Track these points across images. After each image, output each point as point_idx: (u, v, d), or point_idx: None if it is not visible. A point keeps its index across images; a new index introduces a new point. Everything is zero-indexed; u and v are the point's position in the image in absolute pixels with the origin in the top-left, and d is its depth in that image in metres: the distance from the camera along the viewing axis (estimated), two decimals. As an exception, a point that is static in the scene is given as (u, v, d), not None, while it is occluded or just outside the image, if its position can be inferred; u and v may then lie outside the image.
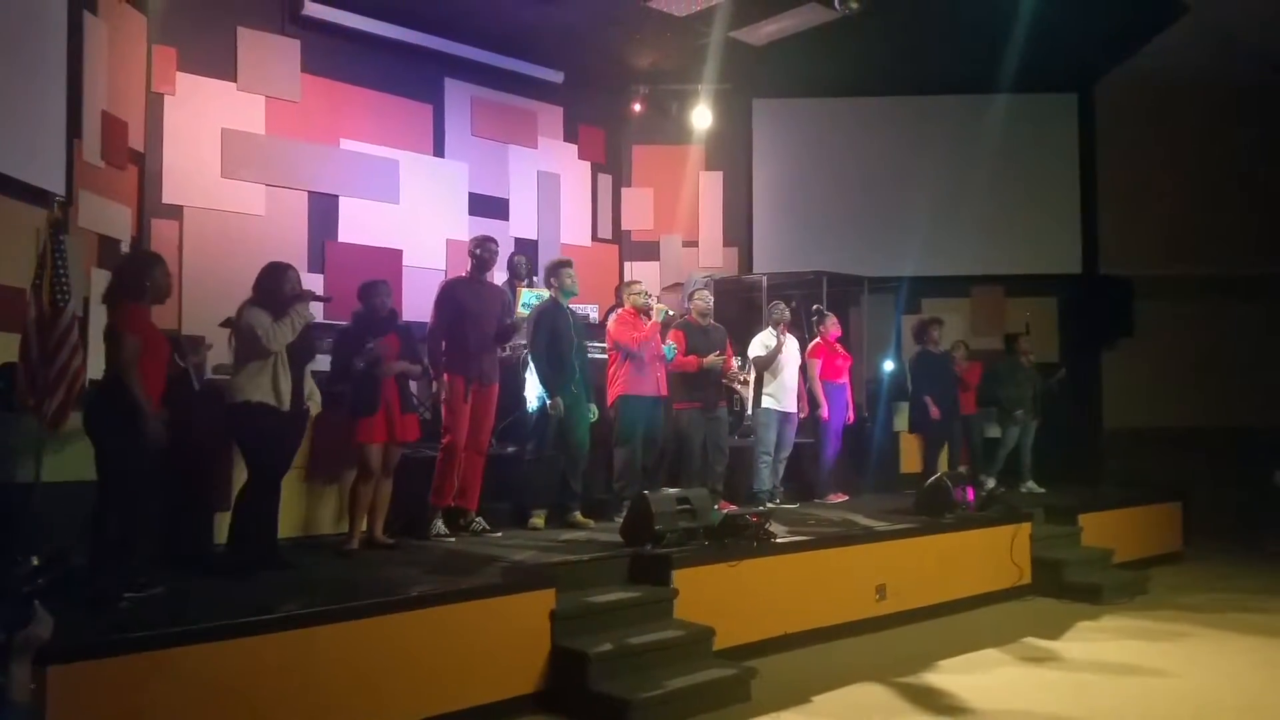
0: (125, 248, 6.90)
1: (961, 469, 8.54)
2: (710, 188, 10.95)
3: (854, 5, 8.17)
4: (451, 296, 6.00)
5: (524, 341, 7.37)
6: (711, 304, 7.30)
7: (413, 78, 9.18)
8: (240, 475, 4.94)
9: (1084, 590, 6.97)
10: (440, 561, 5.19)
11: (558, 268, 6.51)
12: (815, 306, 8.47)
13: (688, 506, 5.56)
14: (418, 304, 7.95)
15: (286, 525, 5.39)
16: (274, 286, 4.81)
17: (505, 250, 7.94)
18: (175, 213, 7.78)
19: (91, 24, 6.42)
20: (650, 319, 6.73)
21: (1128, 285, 10.58)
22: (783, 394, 7.54)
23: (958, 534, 6.79)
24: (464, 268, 6.32)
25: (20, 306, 4.88)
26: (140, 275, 4.32)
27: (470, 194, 9.58)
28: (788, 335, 7.62)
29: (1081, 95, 10.86)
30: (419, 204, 9.16)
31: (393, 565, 5.05)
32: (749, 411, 7.91)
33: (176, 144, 7.78)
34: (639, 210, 10.86)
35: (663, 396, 6.85)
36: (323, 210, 8.57)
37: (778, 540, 5.77)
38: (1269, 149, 10.50)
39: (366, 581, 4.60)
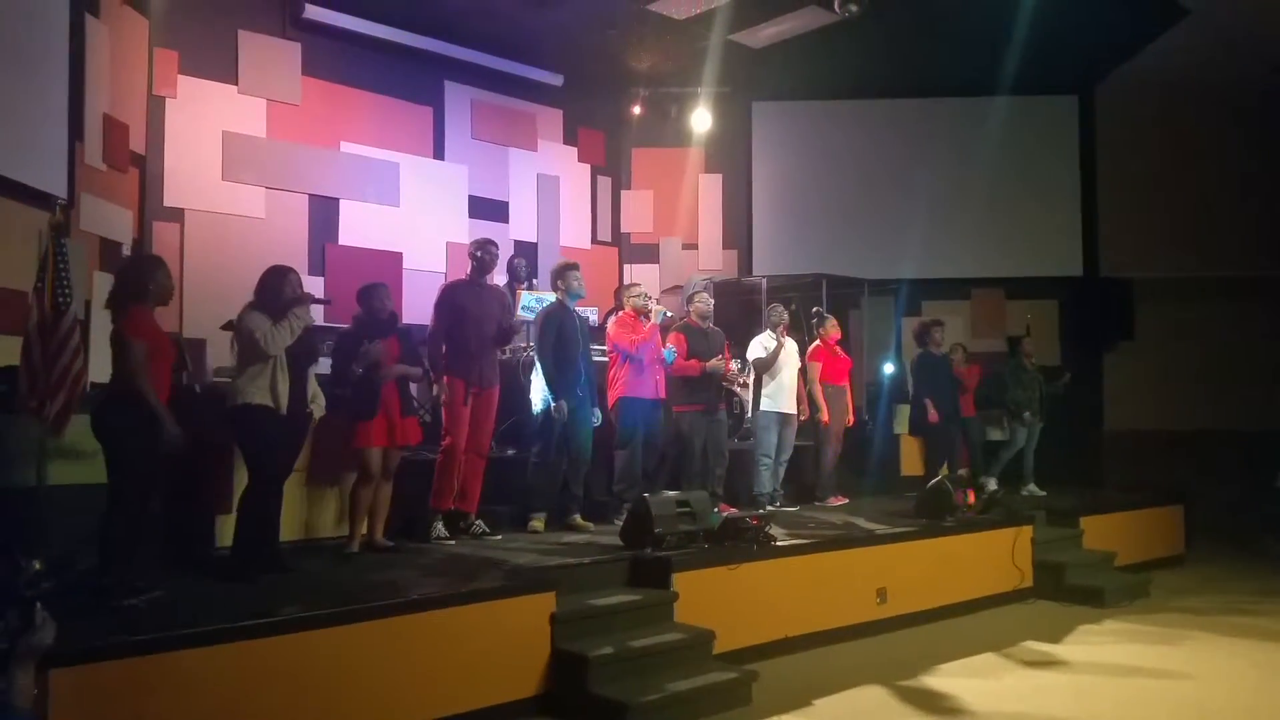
0: (126, 250, 6.91)
1: (962, 472, 8.55)
2: (710, 190, 10.96)
3: (853, 8, 8.17)
4: (452, 299, 6.00)
5: (524, 344, 7.40)
6: (712, 306, 7.30)
7: (413, 81, 9.19)
8: (242, 478, 4.94)
9: (1086, 593, 6.95)
10: (440, 564, 5.19)
11: (564, 270, 6.52)
12: (815, 309, 8.47)
13: (688, 509, 5.56)
14: (418, 306, 7.96)
15: (287, 528, 5.39)
16: (275, 290, 4.82)
17: (505, 253, 7.94)
18: (176, 215, 7.79)
19: (93, 27, 6.43)
20: (649, 321, 6.74)
21: (1129, 288, 10.58)
22: (782, 396, 7.53)
23: (959, 537, 6.79)
24: (464, 270, 6.32)
25: (22, 309, 4.89)
26: (143, 278, 4.34)
27: (470, 197, 9.59)
28: (787, 337, 7.62)
29: (1082, 97, 10.87)
30: (419, 207, 9.16)
31: (393, 568, 5.05)
32: (749, 414, 7.92)
33: (177, 147, 7.78)
34: (639, 213, 10.86)
35: (662, 399, 6.85)
36: (323, 213, 8.58)
37: (778, 543, 5.76)
38: (1269, 152, 10.50)
39: (367, 584, 4.60)
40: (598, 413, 6.53)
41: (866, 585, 6.07)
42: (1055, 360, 10.16)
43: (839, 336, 8.15)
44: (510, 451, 7.01)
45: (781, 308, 7.76)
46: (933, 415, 8.46)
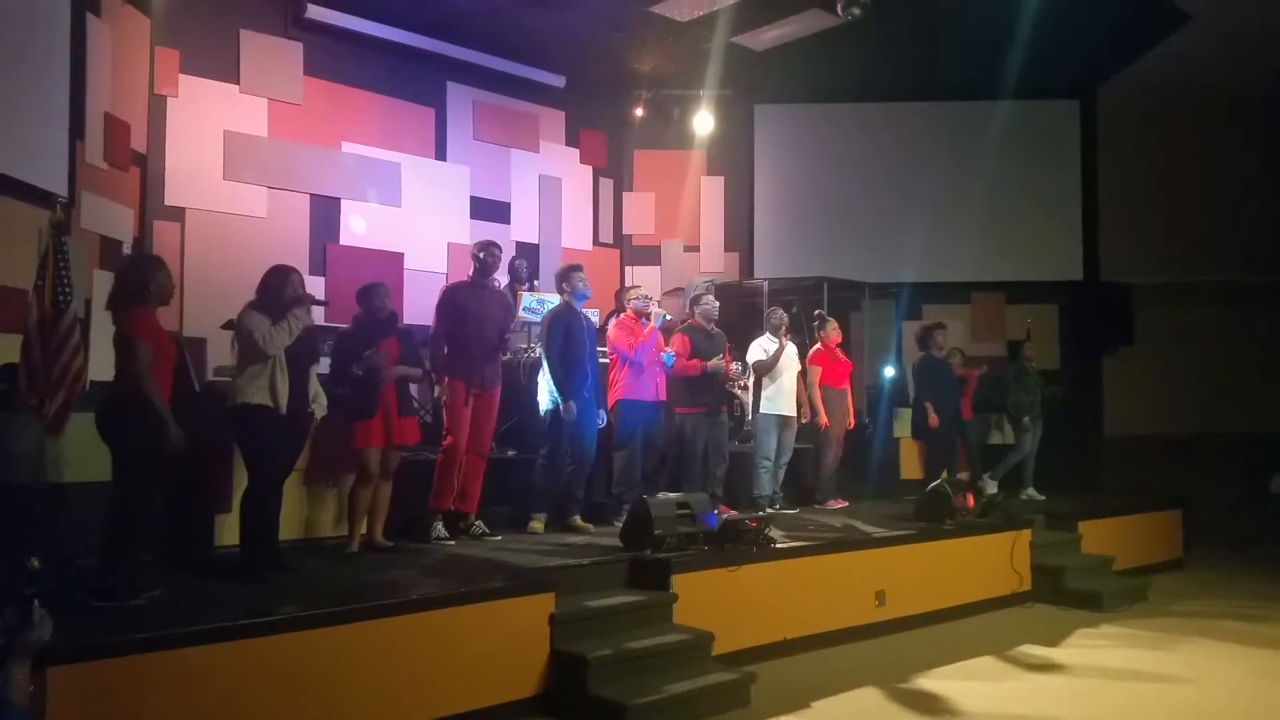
0: (127, 249, 6.90)
1: (962, 476, 8.55)
2: (711, 193, 10.96)
3: (856, 11, 8.16)
4: (454, 301, 6.00)
5: (524, 345, 7.41)
6: (717, 309, 7.30)
7: (415, 81, 9.18)
8: (242, 478, 4.94)
9: (1084, 597, 6.96)
10: (440, 565, 5.19)
11: (569, 272, 6.53)
12: (816, 312, 8.47)
13: (687, 511, 5.56)
14: (419, 307, 7.96)
15: (287, 527, 5.39)
16: (276, 289, 4.82)
17: (506, 254, 7.94)
18: (177, 214, 7.78)
19: (94, 26, 6.42)
20: (649, 323, 6.74)
21: (1129, 292, 10.57)
22: (782, 399, 7.53)
23: (958, 540, 6.79)
24: (465, 272, 6.32)
25: (22, 307, 4.88)
26: (143, 279, 4.34)
27: (472, 198, 9.57)
28: (788, 340, 7.62)
29: (1083, 102, 10.85)
30: (421, 207, 9.16)
31: (392, 568, 5.05)
32: (748, 417, 7.92)
33: (179, 146, 7.77)
34: (640, 215, 10.86)
35: (662, 401, 6.85)
36: (324, 213, 8.58)
37: (777, 545, 5.77)
38: (1270, 157, 10.51)
39: (366, 584, 4.60)
40: (603, 414, 6.54)
41: (865, 588, 6.08)
42: (1055, 364, 10.16)
43: (840, 340, 8.15)
44: (511, 453, 7.01)
45: (782, 310, 7.77)
46: (934, 419, 8.46)
